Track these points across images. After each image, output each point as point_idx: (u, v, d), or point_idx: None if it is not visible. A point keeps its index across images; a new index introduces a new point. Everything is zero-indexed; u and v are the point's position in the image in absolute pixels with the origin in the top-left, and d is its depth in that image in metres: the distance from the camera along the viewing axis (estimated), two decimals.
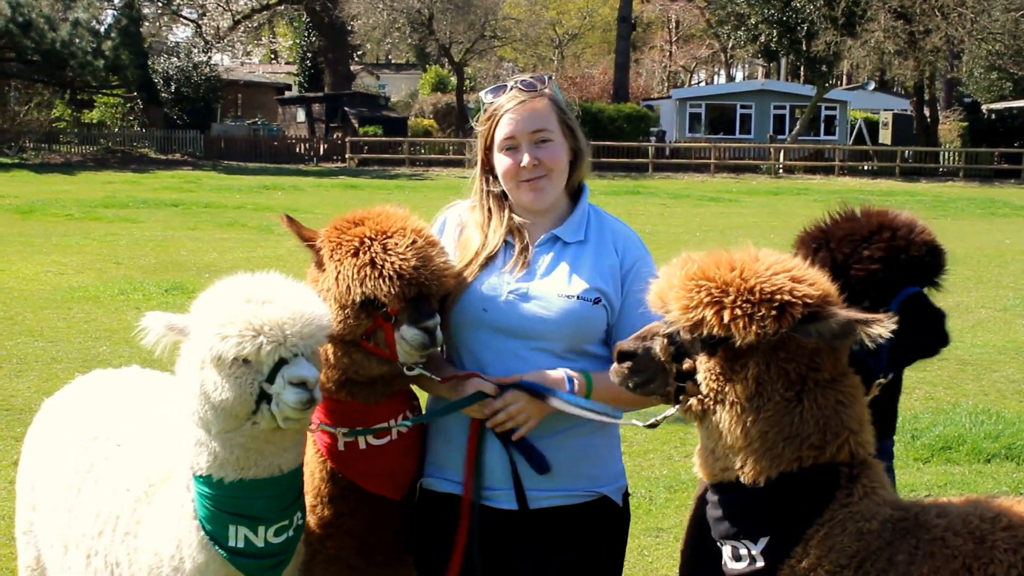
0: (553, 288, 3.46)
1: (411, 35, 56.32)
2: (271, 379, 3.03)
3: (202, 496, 3.18)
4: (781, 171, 45.37)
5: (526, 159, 3.46)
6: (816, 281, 2.73)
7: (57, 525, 3.66)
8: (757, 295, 2.65)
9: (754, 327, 2.62)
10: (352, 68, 63.20)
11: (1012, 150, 46.12)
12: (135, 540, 3.35)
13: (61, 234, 20.41)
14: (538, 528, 3.46)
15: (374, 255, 3.31)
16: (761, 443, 2.68)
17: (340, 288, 3.33)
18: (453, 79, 57.73)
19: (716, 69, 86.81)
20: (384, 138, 47.77)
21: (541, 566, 3.45)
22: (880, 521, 2.67)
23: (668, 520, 6.77)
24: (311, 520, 3.51)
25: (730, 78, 77.90)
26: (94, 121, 51.09)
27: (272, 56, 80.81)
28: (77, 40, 41.98)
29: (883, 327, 2.59)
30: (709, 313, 2.67)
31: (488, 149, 3.58)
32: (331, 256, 3.40)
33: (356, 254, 3.33)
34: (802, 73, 54.33)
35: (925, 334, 3.29)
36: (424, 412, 3.70)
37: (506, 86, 3.58)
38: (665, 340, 2.83)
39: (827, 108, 51.69)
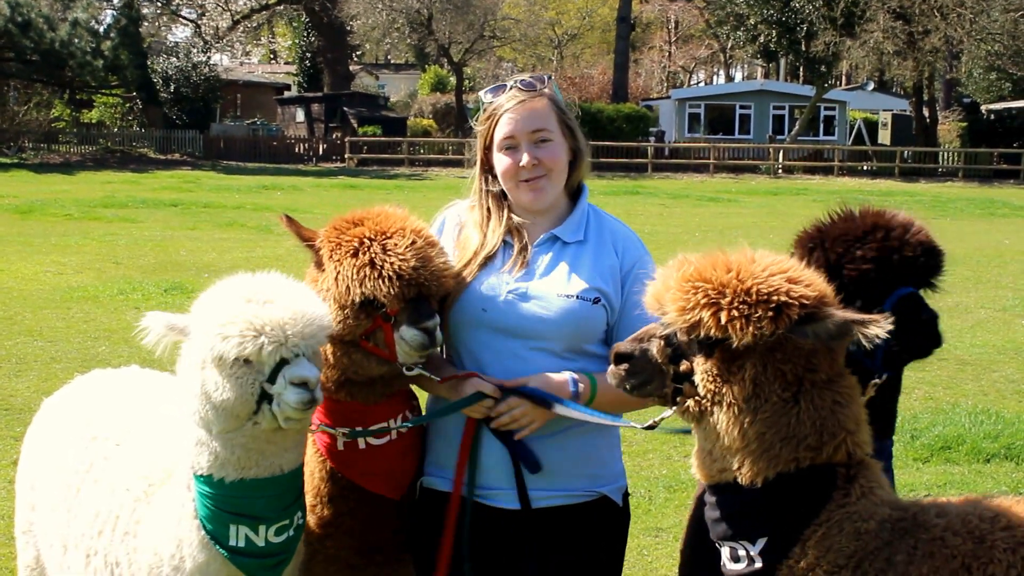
0: (552, 288, 3.46)
1: (410, 35, 56.36)
2: (272, 379, 3.03)
3: (203, 495, 3.18)
4: (780, 171, 45.38)
5: (525, 159, 3.46)
6: (812, 282, 2.73)
7: (56, 525, 3.66)
8: (754, 296, 2.65)
9: (751, 328, 2.62)
10: (351, 68, 63.21)
11: (1011, 150, 46.14)
12: (135, 540, 3.35)
13: (60, 234, 20.41)
14: (538, 528, 3.46)
15: (374, 255, 3.31)
16: (758, 444, 2.68)
17: (339, 288, 3.33)
18: (452, 79, 57.75)
19: (715, 69, 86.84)
20: (383, 138, 47.78)
21: (541, 566, 3.45)
22: (878, 521, 2.67)
23: (667, 520, 6.78)
24: (311, 520, 3.51)
25: (729, 78, 77.90)
26: (93, 121, 51.09)
27: (271, 56, 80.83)
28: (76, 40, 41.98)
29: (879, 327, 2.59)
30: (706, 315, 2.67)
31: (487, 148, 3.58)
32: (330, 256, 3.40)
33: (356, 254, 3.33)
34: (801, 73, 54.35)
35: (917, 335, 3.28)
36: (424, 412, 3.70)
37: (506, 86, 3.57)
38: (662, 342, 2.83)
39: (826, 108, 51.71)
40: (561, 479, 3.46)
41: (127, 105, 51.24)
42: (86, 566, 3.47)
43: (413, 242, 3.36)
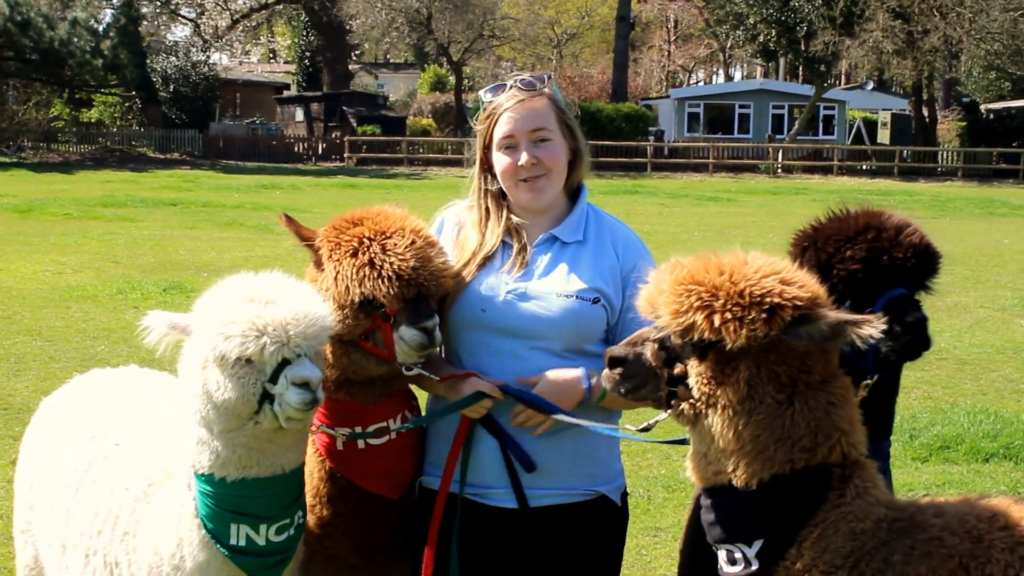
0: (552, 287, 3.46)
1: (409, 34, 56.36)
2: (274, 379, 3.04)
3: (204, 494, 3.18)
4: (779, 171, 45.38)
5: (524, 158, 3.46)
6: (805, 283, 2.73)
7: (55, 524, 3.66)
8: (747, 298, 2.65)
9: (744, 330, 2.62)
10: (350, 67, 63.21)
11: (1010, 150, 46.15)
12: (134, 539, 3.35)
13: (59, 233, 20.40)
14: (537, 527, 3.46)
15: (373, 255, 3.31)
16: (753, 446, 2.68)
17: (339, 288, 3.33)
18: (451, 78, 57.74)
19: (714, 69, 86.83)
20: (382, 137, 47.78)
21: (539, 565, 3.45)
22: (873, 521, 2.67)
23: (666, 519, 6.78)
24: (310, 519, 3.51)
25: (728, 78, 77.88)
26: (92, 120, 51.08)
27: (270, 55, 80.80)
28: (75, 39, 41.97)
29: (873, 328, 2.59)
30: (699, 317, 2.67)
31: (487, 148, 3.57)
32: (330, 256, 3.40)
33: (355, 254, 3.33)
34: (800, 73, 54.36)
35: (905, 337, 3.28)
36: (423, 412, 3.70)
37: (505, 85, 3.57)
38: (656, 345, 2.84)
39: (825, 108, 51.72)
40: (560, 478, 3.46)
41: (126, 104, 51.23)
42: (85, 565, 3.47)
43: (412, 242, 3.36)
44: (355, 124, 49.20)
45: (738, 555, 2.76)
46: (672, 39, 76.60)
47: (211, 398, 3.09)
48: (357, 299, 3.30)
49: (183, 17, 61.92)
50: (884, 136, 53.42)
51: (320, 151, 47.80)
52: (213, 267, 15.78)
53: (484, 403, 3.39)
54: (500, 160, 3.52)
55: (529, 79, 3.55)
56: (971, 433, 8.34)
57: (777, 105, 52.08)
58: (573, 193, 3.65)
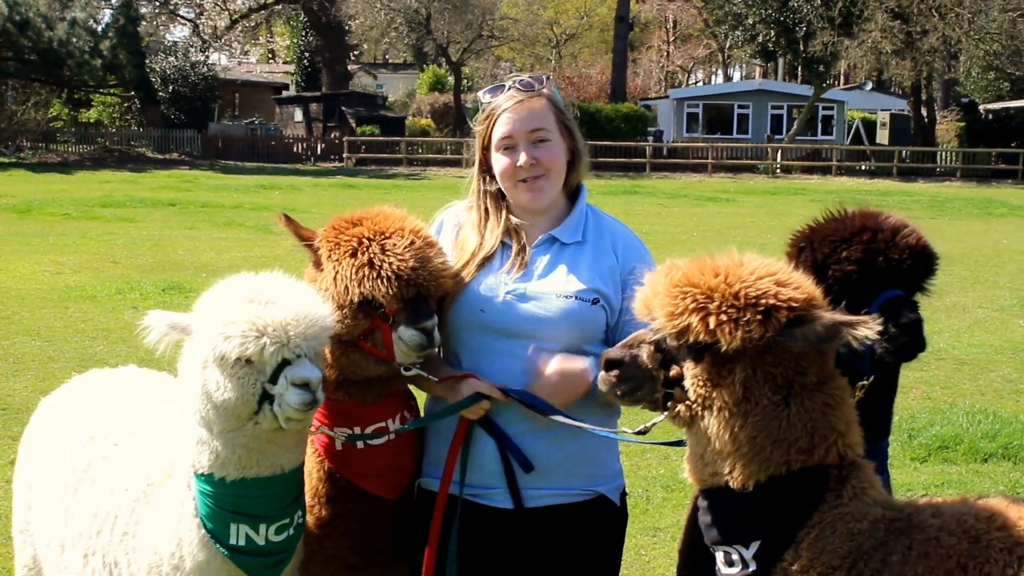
0: (551, 288, 3.46)
1: (408, 35, 56.34)
2: (274, 380, 3.04)
3: (203, 494, 3.18)
4: (778, 171, 45.40)
5: (523, 158, 3.46)
6: (801, 284, 2.73)
7: (53, 524, 3.66)
8: (742, 300, 2.65)
9: (740, 332, 2.63)
10: (349, 68, 63.20)
11: (1009, 150, 46.16)
12: (134, 540, 3.35)
13: (58, 233, 20.39)
14: (536, 527, 3.46)
15: (372, 256, 3.31)
16: (749, 447, 2.69)
17: (338, 288, 3.33)
18: (450, 79, 57.74)
19: (713, 69, 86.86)
20: (381, 138, 47.77)
21: (538, 565, 3.45)
22: (871, 521, 2.67)
23: (665, 519, 6.78)
24: (309, 520, 3.51)
25: (727, 78, 77.92)
26: (91, 120, 51.08)
27: (269, 56, 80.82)
28: (74, 39, 41.96)
29: (869, 329, 2.59)
30: (695, 319, 2.67)
31: (486, 149, 3.58)
32: (329, 256, 3.40)
33: (354, 254, 3.34)
34: (799, 73, 54.39)
35: (899, 338, 3.28)
36: (422, 412, 3.71)
37: (504, 86, 3.57)
38: (652, 347, 2.84)
39: (824, 108, 51.73)
40: (559, 478, 3.46)
41: (125, 104, 51.22)
42: (84, 566, 3.47)
43: (412, 242, 3.36)
44: (354, 124, 49.19)
45: (735, 556, 2.76)
46: (671, 39, 76.64)
47: (211, 398, 3.09)
48: (356, 299, 3.30)
49: (182, 17, 61.92)
50: (883, 136, 53.43)
51: (319, 151, 47.80)
52: (212, 267, 15.78)
53: (483, 404, 3.39)
54: (499, 161, 3.52)
55: (527, 80, 3.55)
56: (970, 433, 8.35)
57: (776, 105, 52.10)
58: (572, 194, 3.65)
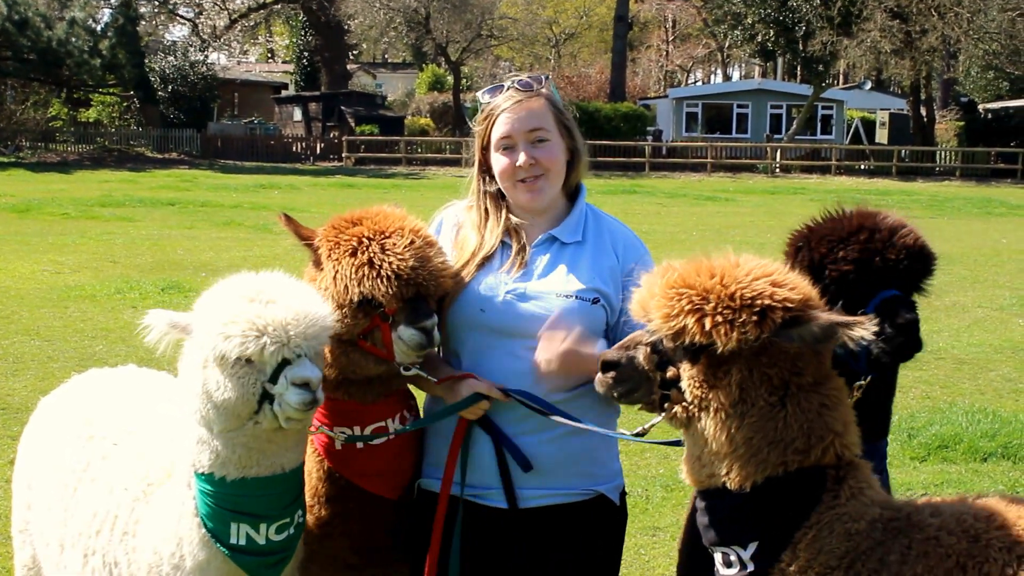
0: (551, 288, 3.46)
1: (408, 34, 56.31)
2: (274, 379, 3.04)
3: (204, 494, 3.18)
4: (777, 170, 45.40)
5: (523, 158, 3.46)
6: (797, 285, 2.73)
7: (53, 524, 3.66)
8: (738, 301, 2.66)
9: (736, 333, 2.63)
10: (349, 67, 63.19)
11: (1008, 149, 46.17)
12: (134, 539, 3.35)
13: (58, 233, 20.39)
14: (535, 527, 3.46)
15: (372, 255, 3.31)
16: (746, 448, 2.69)
17: (338, 288, 3.33)
18: (450, 78, 57.72)
19: (713, 68, 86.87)
20: (381, 137, 47.77)
21: (538, 565, 3.45)
22: (868, 521, 2.67)
23: (665, 519, 6.78)
24: (309, 519, 3.51)
25: (727, 77, 77.89)
26: (91, 120, 51.05)
27: (269, 55, 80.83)
28: (73, 39, 41.94)
29: (865, 329, 2.59)
30: (690, 321, 2.67)
31: (485, 149, 3.58)
32: (329, 255, 3.40)
33: (354, 254, 3.34)
34: (799, 72, 54.41)
35: (895, 338, 3.27)
36: (422, 412, 3.71)
37: (503, 86, 3.57)
38: (648, 349, 2.84)
39: (823, 107, 51.74)
40: (558, 478, 3.46)
41: (124, 104, 51.20)
42: (83, 565, 3.47)
43: (412, 242, 3.36)
44: (353, 124, 49.18)
45: (733, 557, 2.76)
46: (670, 39, 76.64)
47: (211, 398, 3.09)
48: (356, 298, 3.31)
49: (181, 17, 61.92)
50: (882, 136, 53.45)
51: (318, 151, 47.79)
52: (211, 267, 15.78)
53: (482, 404, 3.39)
54: (498, 161, 3.52)
55: (526, 80, 3.55)
56: (969, 432, 8.35)
57: (775, 105, 52.10)
58: (572, 193, 3.65)
